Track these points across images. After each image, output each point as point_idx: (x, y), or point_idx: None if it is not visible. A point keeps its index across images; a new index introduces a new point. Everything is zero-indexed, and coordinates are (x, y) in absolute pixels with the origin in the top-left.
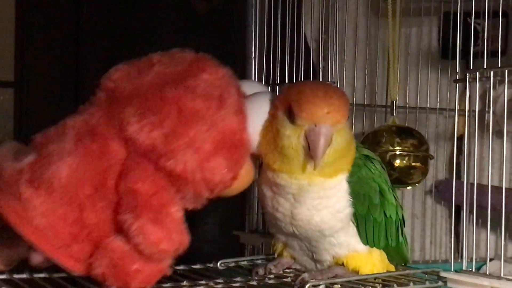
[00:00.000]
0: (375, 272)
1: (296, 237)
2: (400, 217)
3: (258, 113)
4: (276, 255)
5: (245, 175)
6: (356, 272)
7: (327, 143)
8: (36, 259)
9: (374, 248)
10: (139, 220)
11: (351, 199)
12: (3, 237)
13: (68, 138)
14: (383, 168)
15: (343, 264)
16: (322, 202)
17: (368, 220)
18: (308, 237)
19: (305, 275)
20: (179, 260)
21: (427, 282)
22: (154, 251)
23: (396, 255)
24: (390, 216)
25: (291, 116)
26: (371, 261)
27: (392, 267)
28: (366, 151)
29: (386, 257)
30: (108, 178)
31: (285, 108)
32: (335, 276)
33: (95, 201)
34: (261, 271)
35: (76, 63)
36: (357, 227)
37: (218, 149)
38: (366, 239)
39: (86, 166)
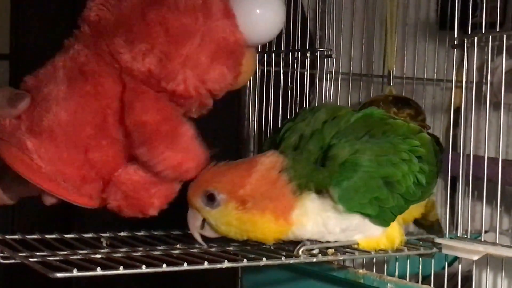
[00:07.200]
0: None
1: None
2: (436, 162)
3: (245, 4)
4: None
5: (247, 67)
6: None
7: (192, 226)
8: (49, 200)
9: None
10: (156, 150)
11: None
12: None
13: (60, 80)
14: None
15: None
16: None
17: (385, 210)
18: None
19: (307, 242)
20: (173, 226)
21: (421, 248)
22: (178, 174)
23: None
24: (419, 182)
25: None
26: (385, 241)
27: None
28: (354, 146)
29: (401, 227)
30: (108, 116)
31: None
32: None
33: (98, 140)
34: None
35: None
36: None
37: (216, 59)
38: (387, 222)
39: (83, 108)
